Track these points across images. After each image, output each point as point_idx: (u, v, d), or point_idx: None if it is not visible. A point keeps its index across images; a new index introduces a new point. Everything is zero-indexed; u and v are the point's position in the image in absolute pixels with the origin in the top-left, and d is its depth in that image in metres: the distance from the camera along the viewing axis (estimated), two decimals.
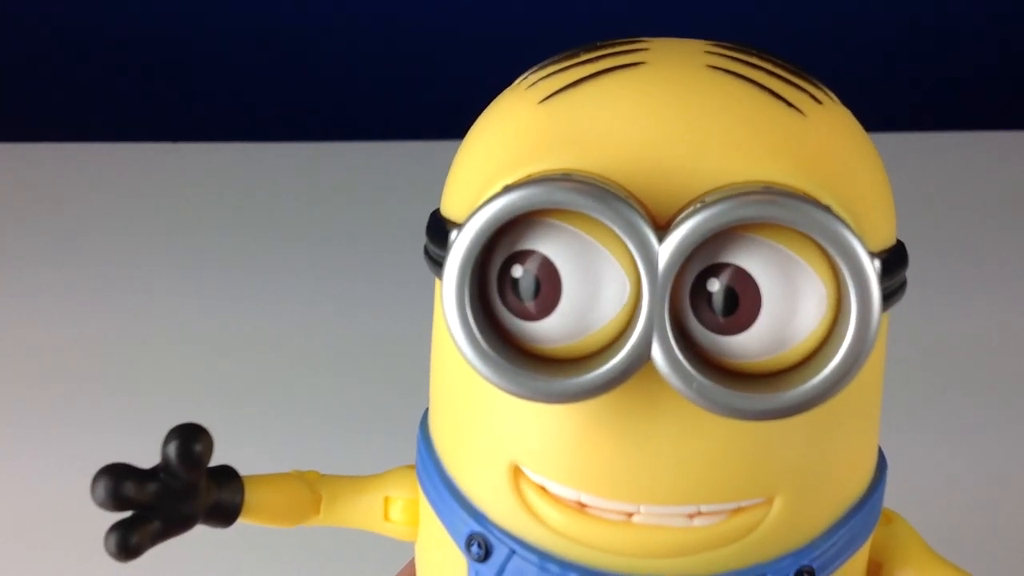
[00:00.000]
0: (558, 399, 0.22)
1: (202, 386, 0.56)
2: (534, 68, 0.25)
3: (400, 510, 0.27)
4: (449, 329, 0.22)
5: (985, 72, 0.89)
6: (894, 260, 0.24)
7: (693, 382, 0.22)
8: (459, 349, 0.22)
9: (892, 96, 0.89)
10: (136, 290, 0.66)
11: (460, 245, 0.22)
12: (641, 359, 0.22)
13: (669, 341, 0.21)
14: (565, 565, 0.24)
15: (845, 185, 0.23)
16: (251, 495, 0.27)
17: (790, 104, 0.23)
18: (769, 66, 0.24)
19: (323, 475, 0.28)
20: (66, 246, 0.71)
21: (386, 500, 0.28)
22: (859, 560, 0.25)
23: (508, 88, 0.25)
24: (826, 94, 0.24)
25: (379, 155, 0.81)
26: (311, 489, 0.28)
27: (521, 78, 0.25)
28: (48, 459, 0.50)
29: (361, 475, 0.28)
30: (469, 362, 0.22)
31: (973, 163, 0.77)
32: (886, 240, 0.24)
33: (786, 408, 0.22)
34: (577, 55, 0.24)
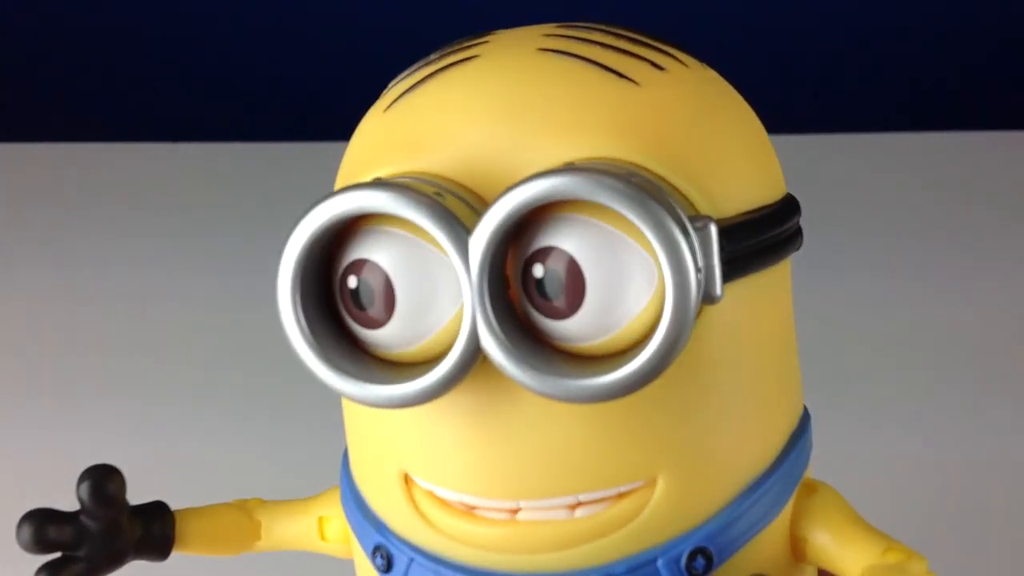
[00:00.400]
0: (400, 403, 0.22)
1: (202, 386, 0.56)
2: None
3: (335, 529, 0.27)
4: (288, 342, 0.22)
5: (985, 72, 0.89)
6: (757, 222, 0.23)
7: (527, 370, 0.21)
8: (300, 361, 0.22)
9: (892, 96, 0.89)
10: (136, 290, 0.66)
11: (284, 262, 0.22)
12: (473, 353, 0.21)
13: (495, 330, 0.21)
14: (456, 568, 0.23)
15: (682, 150, 0.22)
16: (183, 528, 0.27)
17: (622, 75, 0.23)
18: (610, 40, 0.23)
19: (264, 501, 0.28)
20: (66, 246, 0.71)
21: (320, 520, 0.28)
22: (772, 536, 0.24)
23: None
24: (676, 60, 0.24)
25: None
26: (249, 516, 0.28)
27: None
28: (46, 459, 0.50)
29: (299, 498, 0.28)
30: (310, 371, 0.23)
31: (973, 163, 0.77)
32: (749, 202, 0.23)
33: (608, 391, 0.21)
34: (427, 58, 0.24)
